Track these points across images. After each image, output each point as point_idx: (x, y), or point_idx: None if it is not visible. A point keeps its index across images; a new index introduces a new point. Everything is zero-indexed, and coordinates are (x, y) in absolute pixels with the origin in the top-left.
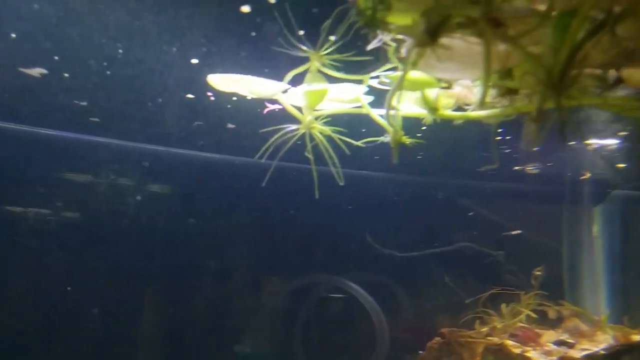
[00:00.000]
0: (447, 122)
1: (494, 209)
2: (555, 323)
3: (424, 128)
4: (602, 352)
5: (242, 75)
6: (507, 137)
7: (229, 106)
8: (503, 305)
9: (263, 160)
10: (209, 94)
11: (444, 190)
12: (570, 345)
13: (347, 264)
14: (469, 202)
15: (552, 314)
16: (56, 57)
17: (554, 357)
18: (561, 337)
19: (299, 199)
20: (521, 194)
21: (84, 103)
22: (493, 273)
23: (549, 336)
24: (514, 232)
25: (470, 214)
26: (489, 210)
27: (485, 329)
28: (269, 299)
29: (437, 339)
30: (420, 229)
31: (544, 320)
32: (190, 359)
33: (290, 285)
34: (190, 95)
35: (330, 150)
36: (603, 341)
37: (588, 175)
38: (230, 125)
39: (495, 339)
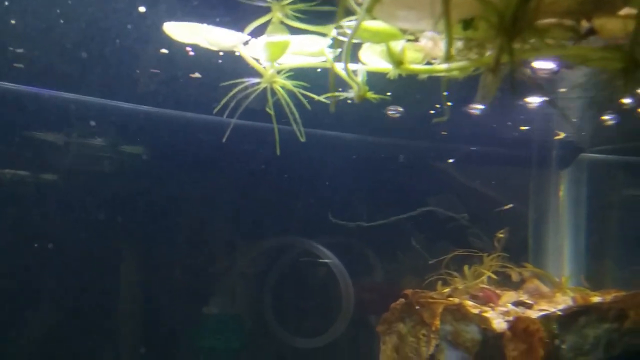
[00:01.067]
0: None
1: (461, 172)
2: (518, 285)
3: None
4: (559, 313)
5: (200, 25)
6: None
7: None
8: (465, 267)
9: (234, 119)
10: (188, 49)
11: (411, 152)
12: (529, 306)
13: (316, 227)
14: (437, 164)
15: (514, 276)
16: None
17: (511, 317)
18: (520, 298)
19: (270, 161)
20: (489, 157)
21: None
22: (458, 236)
23: (508, 297)
24: (507, 207)
25: (437, 176)
26: (455, 173)
27: (447, 290)
28: (238, 261)
29: (401, 300)
30: (387, 191)
31: (507, 282)
32: (158, 320)
33: (259, 247)
34: (163, 51)
35: (292, 106)
36: (562, 302)
37: (562, 135)
38: (195, 75)
39: (455, 300)
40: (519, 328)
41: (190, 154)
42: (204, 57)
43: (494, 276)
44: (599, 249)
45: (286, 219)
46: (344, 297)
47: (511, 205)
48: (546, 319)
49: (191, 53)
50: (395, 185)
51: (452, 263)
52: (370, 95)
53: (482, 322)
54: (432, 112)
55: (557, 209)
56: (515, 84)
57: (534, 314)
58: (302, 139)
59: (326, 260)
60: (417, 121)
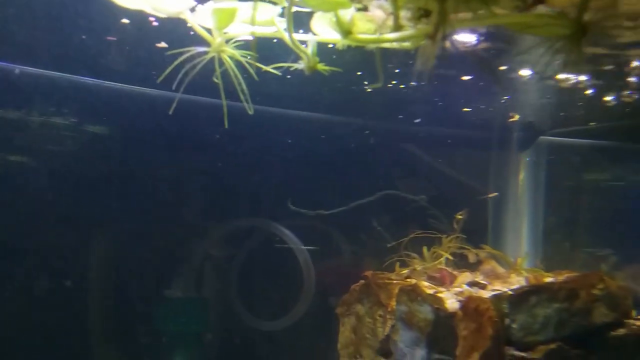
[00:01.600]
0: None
1: (423, 154)
2: (475, 266)
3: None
4: (510, 292)
5: None
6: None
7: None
8: (424, 249)
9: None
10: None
11: (372, 133)
12: (482, 287)
13: (279, 209)
14: (399, 145)
15: (470, 257)
16: None
17: (463, 297)
18: (476, 279)
19: (235, 142)
20: (451, 139)
21: None
22: (419, 218)
23: (464, 278)
24: (491, 195)
25: (400, 157)
26: (418, 155)
27: (405, 272)
28: (201, 244)
29: (361, 282)
30: (347, 173)
31: (465, 263)
32: (120, 303)
33: (223, 230)
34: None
35: (240, 77)
36: (516, 283)
37: (516, 117)
38: (162, 45)
39: (411, 281)
40: (470, 308)
41: (154, 133)
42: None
43: (450, 257)
44: (556, 231)
45: (250, 202)
46: (305, 280)
47: (496, 193)
48: (497, 298)
49: (155, 23)
50: (359, 166)
51: (414, 244)
52: (321, 67)
53: (435, 302)
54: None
55: (517, 192)
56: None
57: (486, 294)
58: (250, 112)
59: (289, 244)
60: (380, 102)
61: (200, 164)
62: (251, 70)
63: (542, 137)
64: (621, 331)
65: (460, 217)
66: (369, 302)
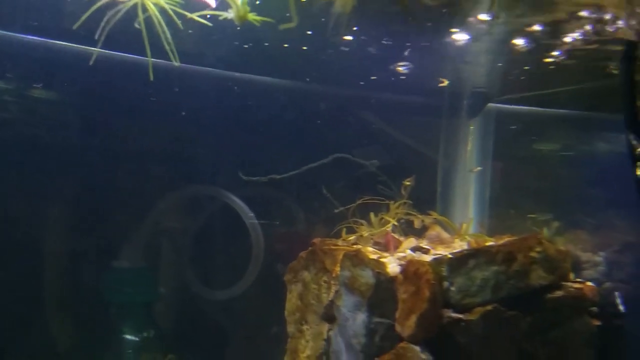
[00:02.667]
0: None
1: (377, 120)
2: (422, 232)
3: None
4: (449, 256)
5: None
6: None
7: None
8: (372, 215)
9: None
10: None
11: (321, 99)
12: (425, 251)
13: (228, 177)
14: (348, 111)
15: (416, 223)
16: None
17: (404, 261)
18: (420, 244)
19: (188, 106)
20: (402, 105)
21: None
22: (368, 184)
23: (409, 243)
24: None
25: (352, 124)
26: (368, 121)
27: (352, 238)
28: (149, 212)
29: (309, 248)
30: (297, 139)
31: (413, 229)
32: (65, 274)
33: (171, 198)
34: None
35: (164, 27)
36: (458, 247)
37: (446, 82)
38: None
39: (356, 247)
40: (410, 271)
41: (98, 97)
42: None
43: (395, 223)
44: (501, 198)
45: (199, 168)
46: (254, 249)
47: (479, 168)
48: (437, 262)
49: None
50: (309, 131)
51: (364, 211)
52: (252, 17)
53: (377, 267)
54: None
55: (466, 159)
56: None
57: (428, 258)
58: (176, 63)
59: (238, 211)
60: (324, 65)
61: (147, 129)
62: (177, 21)
63: (490, 104)
64: (558, 293)
65: (407, 183)
66: (314, 269)
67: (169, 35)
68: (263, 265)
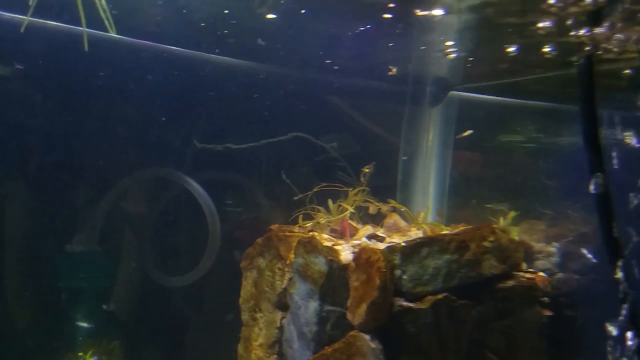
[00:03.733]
0: None
1: (335, 103)
2: (380, 220)
3: None
4: (402, 244)
5: None
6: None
7: None
8: (329, 202)
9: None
10: None
11: (280, 81)
12: (381, 239)
13: (187, 159)
14: (309, 95)
15: (371, 209)
16: None
17: (357, 249)
18: (376, 232)
19: (142, 85)
20: (367, 91)
21: None
22: (327, 169)
23: (365, 231)
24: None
25: (317, 107)
26: (330, 105)
27: (309, 225)
28: (105, 195)
29: (266, 234)
30: (256, 120)
31: (372, 217)
32: (16, 259)
33: (127, 180)
34: None
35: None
36: (414, 236)
37: (394, 70)
38: None
39: (310, 233)
40: (362, 259)
41: (48, 74)
42: None
43: (352, 210)
44: (462, 187)
45: (156, 150)
46: (210, 234)
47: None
48: (390, 250)
49: None
50: (270, 112)
51: (324, 197)
52: None
53: (330, 254)
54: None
55: (427, 147)
56: None
57: (382, 245)
58: (112, 32)
59: (196, 196)
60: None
61: (97, 108)
62: None
63: (453, 92)
64: (509, 283)
65: (367, 170)
66: (269, 255)
67: (104, 3)
68: (220, 252)
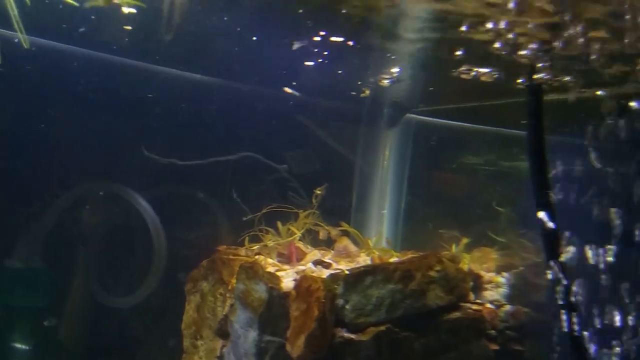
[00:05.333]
0: None
1: (291, 124)
2: (332, 244)
3: None
4: (346, 272)
5: None
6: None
7: None
8: (279, 224)
9: None
10: None
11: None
12: (327, 265)
13: (136, 175)
14: (267, 113)
15: (321, 234)
16: None
17: (299, 276)
18: (323, 258)
19: (93, 95)
20: (324, 111)
21: None
22: (278, 190)
23: (312, 256)
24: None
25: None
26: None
27: (256, 247)
28: (48, 209)
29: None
30: (211, 136)
31: (323, 240)
32: None
33: (72, 194)
34: None
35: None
36: (363, 262)
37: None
38: None
39: (253, 258)
40: (302, 287)
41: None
42: None
43: (299, 234)
44: (414, 210)
45: (103, 162)
46: (155, 253)
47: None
48: (333, 278)
49: None
50: (222, 129)
51: (274, 218)
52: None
53: (271, 281)
54: None
55: (383, 169)
56: None
57: (327, 273)
58: (26, 46)
59: (142, 213)
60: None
61: (44, 117)
62: None
63: (410, 115)
64: (455, 314)
65: (319, 192)
66: (212, 279)
67: (16, 13)
68: (166, 273)
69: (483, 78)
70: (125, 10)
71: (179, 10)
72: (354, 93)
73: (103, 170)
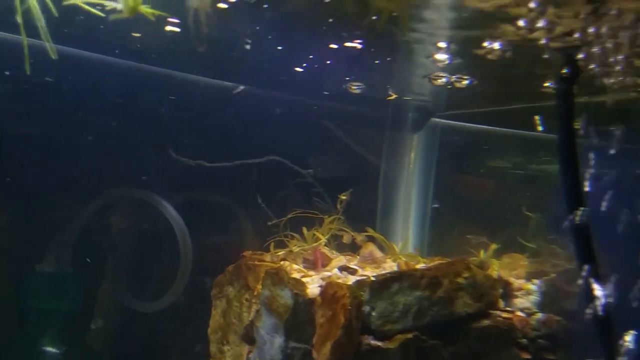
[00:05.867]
0: None
1: (316, 129)
2: (357, 249)
3: None
4: (372, 278)
5: None
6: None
7: None
8: (304, 229)
9: None
10: None
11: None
12: (353, 272)
13: (162, 182)
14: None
15: (345, 239)
16: None
17: (324, 282)
18: (349, 264)
19: (117, 102)
20: (345, 116)
21: None
22: (303, 195)
23: (338, 262)
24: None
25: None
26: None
27: (281, 253)
28: (78, 214)
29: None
30: (232, 140)
31: (349, 246)
32: None
33: (101, 200)
34: None
35: (38, 12)
36: (389, 268)
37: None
38: None
39: (278, 263)
40: (328, 294)
41: (19, 86)
42: None
43: (324, 239)
44: (441, 216)
45: (129, 168)
46: (182, 260)
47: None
48: (358, 284)
49: None
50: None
51: (299, 223)
52: (146, 9)
53: (296, 287)
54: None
55: (408, 174)
56: None
57: (353, 279)
58: (54, 56)
59: (169, 218)
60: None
61: (71, 123)
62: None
63: (435, 119)
64: (484, 322)
65: (343, 197)
66: (238, 285)
67: (43, 24)
68: (192, 278)
69: None
70: (168, 28)
71: (203, 20)
72: (379, 97)
73: (131, 176)
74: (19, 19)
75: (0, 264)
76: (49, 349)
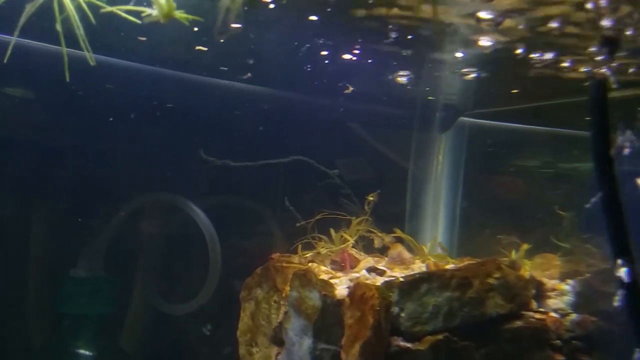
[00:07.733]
0: None
1: (342, 130)
2: (385, 251)
3: None
4: (401, 279)
5: None
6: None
7: None
8: (332, 231)
9: None
10: None
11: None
12: (381, 273)
13: (191, 185)
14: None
15: (376, 241)
16: None
17: (352, 283)
18: (377, 265)
19: (145, 109)
20: (372, 116)
21: None
22: (330, 196)
23: (366, 263)
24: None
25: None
26: (334, 131)
27: (309, 254)
28: (110, 219)
29: (265, 264)
30: (253, 141)
31: (377, 247)
32: (19, 283)
33: (131, 205)
34: None
35: (78, 22)
36: (417, 269)
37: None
38: None
39: (306, 265)
40: (356, 295)
41: (56, 96)
42: None
43: (352, 241)
44: (470, 216)
45: (161, 174)
46: (211, 263)
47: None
48: (387, 285)
49: None
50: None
51: (327, 225)
52: (180, 15)
53: (324, 289)
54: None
55: (437, 174)
56: None
57: (381, 281)
58: (92, 63)
59: (199, 222)
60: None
61: (102, 129)
62: (90, 16)
63: (464, 118)
64: (517, 323)
65: (371, 198)
66: (267, 287)
67: (82, 32)
68: (221, 280)
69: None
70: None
71: (232, 20)
72: (406, 97)
73: (161, 181)
74: (58, 27)
75: (35, 269)
76: (83, 351)
